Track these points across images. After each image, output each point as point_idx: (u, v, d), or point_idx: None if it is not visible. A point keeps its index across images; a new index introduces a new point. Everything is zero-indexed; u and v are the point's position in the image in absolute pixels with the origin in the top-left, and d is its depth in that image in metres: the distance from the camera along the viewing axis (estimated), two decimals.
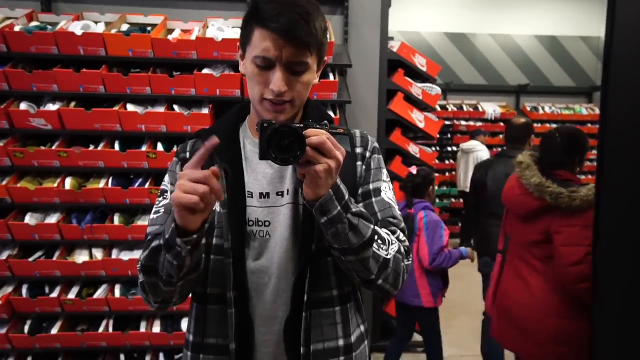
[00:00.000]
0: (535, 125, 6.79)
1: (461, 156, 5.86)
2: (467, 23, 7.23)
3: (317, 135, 0.78)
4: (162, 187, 1.04)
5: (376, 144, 1.07)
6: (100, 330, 2.46)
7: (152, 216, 1.01)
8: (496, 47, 7.34)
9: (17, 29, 2.31)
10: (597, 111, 6.99)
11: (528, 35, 7.35)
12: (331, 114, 1.76)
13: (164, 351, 2.54)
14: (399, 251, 0.93)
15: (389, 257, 0.90)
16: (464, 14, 7.22)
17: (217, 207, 0.95)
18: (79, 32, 2.29)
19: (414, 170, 2.69)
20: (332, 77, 2.54)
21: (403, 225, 1.00)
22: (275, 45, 0.86)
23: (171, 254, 0.81)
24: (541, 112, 6.96)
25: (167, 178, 1.05)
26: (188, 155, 1.04)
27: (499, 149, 6.68)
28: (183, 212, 0.77)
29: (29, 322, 2.46)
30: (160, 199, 1.02)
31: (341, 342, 0.98)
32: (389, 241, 0.92)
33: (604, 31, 1.15)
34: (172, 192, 0.98)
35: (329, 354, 0.96)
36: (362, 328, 1.05)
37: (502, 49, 7.35)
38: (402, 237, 0.98)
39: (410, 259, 0.98)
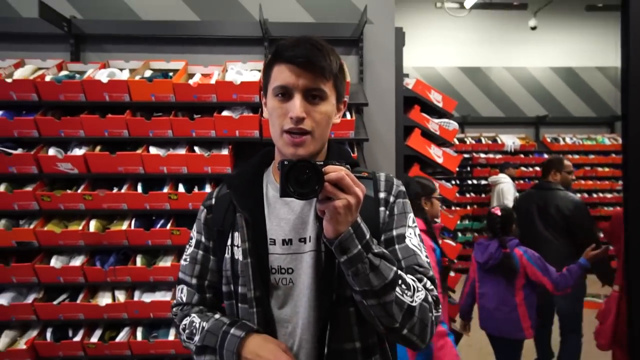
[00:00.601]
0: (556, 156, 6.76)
1: (491, 189, 6.23)
2: (481, 57, 7.30)
3: (335, 171, 0.78)
4: (191, 233, 1.09)
5: (402, 188, 1.03)
6: None
7: (182, 262, 1.07)
8: (511, 80, 7.36)
9: (47, 78, 2.42)
10: (620, 141, 6.87)
11: (543, 67, 7.37)
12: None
13: None
14: (425, 299, 0.88)
15: (414, 304, 0.85)
16: (478, 48, 7.31)
17: (240, 256, 0.95)
18: (104, 80, 2.39)
19: (497, 211, 2.81)
20: (348, 116, 2.57)
21: (431, 273, 0.95)
22: (293, 73, 0.90)
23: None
24: (562, 142, 6.86)
25: (194, 227, 1.09)
26: (213, 201, 1.07)
27: (524, 181, 6.61)
28: None
29: None
30: (189, 246, 1.07)
31: None
32: (414, 287, 0.87)
33: (619, 61, 1.14)
34: (197, 240, 1.04)
35: None
36: None
37: (518, 81, 7.37)
38: (429, 285, 0.92)
39: (439, 311, 0.92)
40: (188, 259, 1.04)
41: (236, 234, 0.97)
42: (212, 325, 0.95)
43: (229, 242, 0.98)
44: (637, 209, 1.17)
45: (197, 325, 0.97)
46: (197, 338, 0.96)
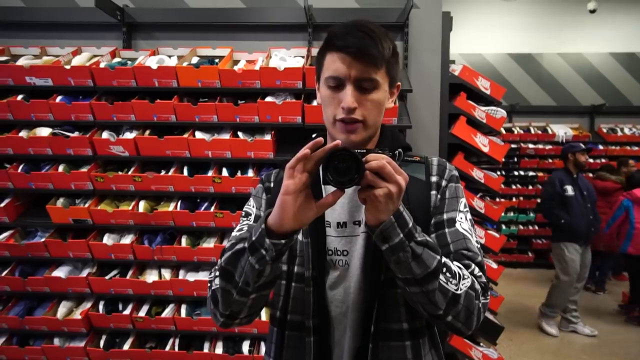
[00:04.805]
0: (613, 148, 6.36)
1: None
2: (532, 43, 6.95)
3: (376, 159, 0.77)
4: (246, 209, 1.06)
5: (455, 172, 1.01)
6: (167, 348, 2.53)
7: (234, 233, 1.02)
8: (565, 66, 6.98)
9: (102, 65, 2.50)
10: None
11: (602, 53, 6.92)
12: None
13: None
14: (471, 287, 0.86)
15: (459, 292, 0.83)
16: (529, 33, 6.95)
17: (300, 236, 0.95)
18: (154, 66, 2.45)
19: None
20: None
21: (480, 259, 0.92)
22: (344, 64, 0.88)
23: (255, 256, 0.81)
24: (619, 133, 6.45)
25: (252, 201, 1.07)
26: (272, 184, 1.07)
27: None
28: (283, 201, 0.78)
29: (104, 337, 2.58)
30: (244, 219, 1.04)
31: None
32: (459, 275, 0.85)
33: None
34: (256, 215, 1.02)
35: None
36: None
37: (573, 68, 6.97)
38: (477, 271, 0.90)
39: (488, 297, 0.90)
40: (245, 229, 1.01)
41: None
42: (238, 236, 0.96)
43: None
44: None
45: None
46: (224, 258, 0.91)
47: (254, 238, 0.82)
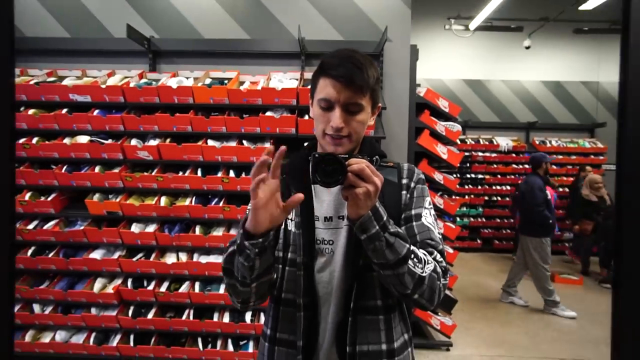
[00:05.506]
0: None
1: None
2: (482, 71, 6.94)
3: (357, 163, 0.75)
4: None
5: (421, 176, 0.97)
6: (184, 317, 2.45)
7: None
8: (507, 91, 6.96)
9: (131, 85, 2.42)
10: (599, 144, 6.42)
11: (535, 81, 6.92)
12: None
13: (231, 337, 2.49)
14: (434, 270, 0.83)
15: (424, 274, 0.81)
16: (479, 64, 6.94)
17: (293, 228, 0.92)
18: (174, 86, 2.37)
19: None
20: None
21: (441, 247, 0.89)
22: (334, 89, 0.85)
23: (242, 256, 0.79)
24: (549, 145, 6.46)
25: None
26: None
27: (515, 176, 6.30)
28: (254, 212, 0.75)
29: (132, 308, 2.50)
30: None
31: (384, 347, 0.88)
32: (425, 260, 0.82)
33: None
34: None
35: (372, 355, 0.87)
36: (406, 336, 0.94)
37: (512, 92, 6.96)
38: (438, 257, 0.87)
39: (447, 279, 0.87)
40: None
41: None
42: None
43: None
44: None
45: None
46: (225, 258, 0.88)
47: (238, 241, 0.80)
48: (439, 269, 0.84)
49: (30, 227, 2.45)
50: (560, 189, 6.17)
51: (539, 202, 3.72)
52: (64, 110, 2.43)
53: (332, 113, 0.86)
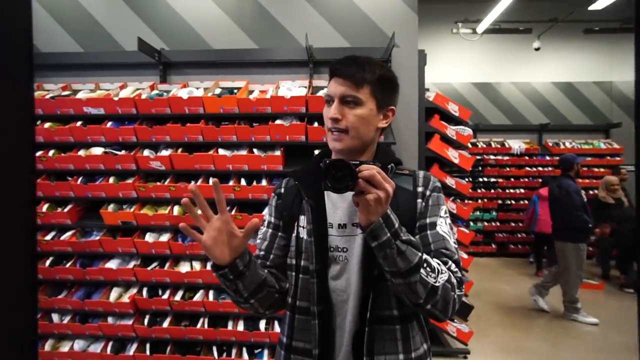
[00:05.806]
0: (558, 158, 6.22)
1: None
2: (491, 74, 6.88)
3: (368, 169, 0.74)
4: (264, 217, 1.04)
5: (438, 184, 0.95)
6: (198, 326, 2.45)
7: (258, 235, 1.01)
8: (517, 93, 6.88)
9: (143, 96, 2.46)
10: (615, 145, 6.27)
11: (545, 82, 6.83)
12: None
13: (245, 346, 2.48)
14: (448, 280, 0.81)
15: (437, 284, 0.79)
16: (488, 66, 6.89)
17: (305, 235, 0.92)
18: (185, 97, 2.40)
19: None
20: None
21: (457, 257, 0.87)
22: (335, 84, 0.89)
23: (223, 282, 0.82)
24: (562, 147, 6.34)
25: (267, 210, 1.04)
26: (283, 190, 1.01)
27: (525, 179, 6.20)
28: (207, 252, 0.79)
29: (147, 317, 2.51)
30: (262, 226, 1.02)
31: (401, 357, 0.86)
32: (438, 270, 0.80)
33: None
34: (268, 221, 1.00)
35: None
36: (425, 346, 0.93)
37: (523, 94, 6.87)
38: (453, 267, 0.85)
39: (462, 290, 0.85)
40: (260, 236, 1.00)
41: (302, 217, 0.93)
42: None
43: (296, 224, 0.95)
44: None
45: None
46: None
47: (213, 272, 0.83)
48: (453, 280, 0.82)
49: (48, 237, 2.50)
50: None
51: (578, 205, 3.49)
52: (79, 123, 2.48)
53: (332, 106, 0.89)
